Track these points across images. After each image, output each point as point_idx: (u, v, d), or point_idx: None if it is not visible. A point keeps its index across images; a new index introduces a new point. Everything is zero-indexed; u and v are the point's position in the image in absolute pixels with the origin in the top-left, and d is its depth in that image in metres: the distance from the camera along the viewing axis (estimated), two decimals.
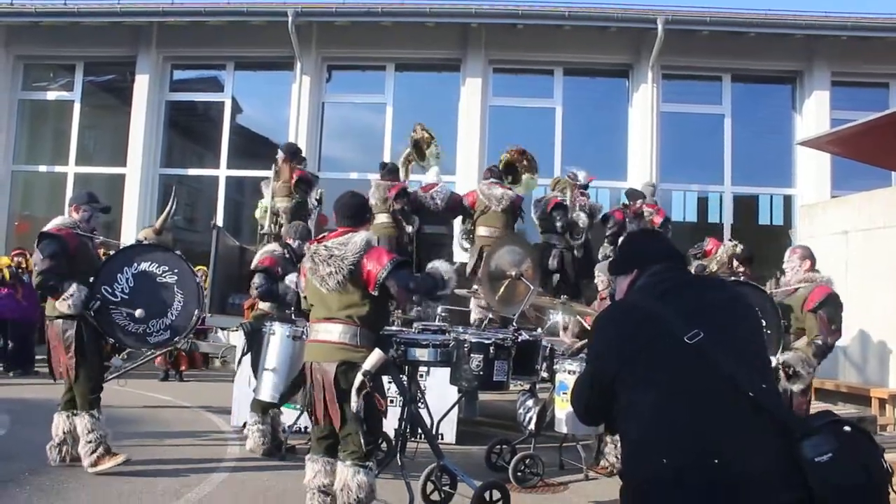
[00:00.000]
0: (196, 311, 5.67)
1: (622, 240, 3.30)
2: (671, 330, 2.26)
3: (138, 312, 5.40)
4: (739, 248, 8.85)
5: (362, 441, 4.11)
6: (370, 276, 4.11)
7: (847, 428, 2.09)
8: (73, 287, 5.21)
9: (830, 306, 5.42)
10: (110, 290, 5.35)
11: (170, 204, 7.99)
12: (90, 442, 5.25)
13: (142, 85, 13.30)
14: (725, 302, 2.46)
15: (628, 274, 2.63)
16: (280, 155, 9.49)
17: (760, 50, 12.52)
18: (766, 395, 2.17)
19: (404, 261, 4.35)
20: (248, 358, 6.35)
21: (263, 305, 6.35)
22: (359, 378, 4.04)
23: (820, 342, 5.34)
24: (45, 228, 5.43)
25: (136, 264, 5.48)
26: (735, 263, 8.71)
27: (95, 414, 5.33)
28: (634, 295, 2.56)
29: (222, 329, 10.80)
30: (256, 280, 6.19)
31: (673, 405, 2.19)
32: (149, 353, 9.42)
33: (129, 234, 11.90)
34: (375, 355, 4.10)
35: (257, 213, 9.84)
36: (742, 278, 8.25)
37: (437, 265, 4.53)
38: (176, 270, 5.56)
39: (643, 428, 2.24)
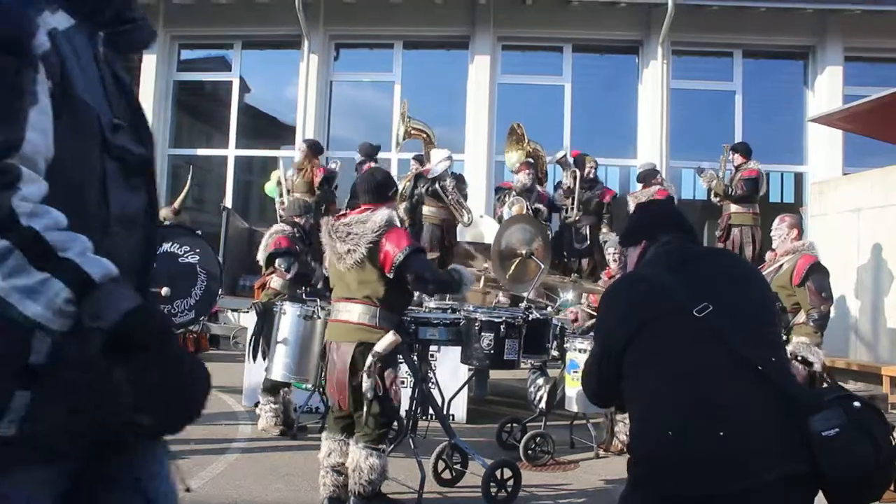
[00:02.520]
0: (219, 291, 5.69)
1: (633, 210, 3.29)
2: (680, 303, 2.25)
3: (164, 291, 5.29)
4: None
5: (375, 423, 4.13)
6: (387, 258, 4.05)
7: (857, 404, 2.09)
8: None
9: (816, 275, 5.42)
10: None
11: (187, 184, 8.02)
12: None
13: (149, 65, 13.23)
14: (736, 275, 2.46)
15: (638, 245, 2.61)
16: (303, 148, 9.58)
17: (772, 25, 12.35)
18: (775, 368, 2.16)
19: (421, 248, 4.32)
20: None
21: (275, 284, 6.32)
22: (369, 360, 4.04)
23: (816, 315, 5.37)
24: None
25: (158, 245, 5.40)
26: (737, 159, 9.07)
27: None
28: (644, 267, 2.54)
29: (233, 311, 10.84)
30: (284, 263, 6.09)
31: (680, 379, 2.19)
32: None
33: None
34: (388, 338, 4.07)
35: (269, 188, 9.81)
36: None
37: (461, 269, 4.51)
38: (197, 250, 5.50)
39: (650, 402, 2.26)
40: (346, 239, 4.12)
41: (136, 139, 1.48)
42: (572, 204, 9.14)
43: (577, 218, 9.19)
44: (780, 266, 5.62)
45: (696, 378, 2.17)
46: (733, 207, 9.30)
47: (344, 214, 4.36)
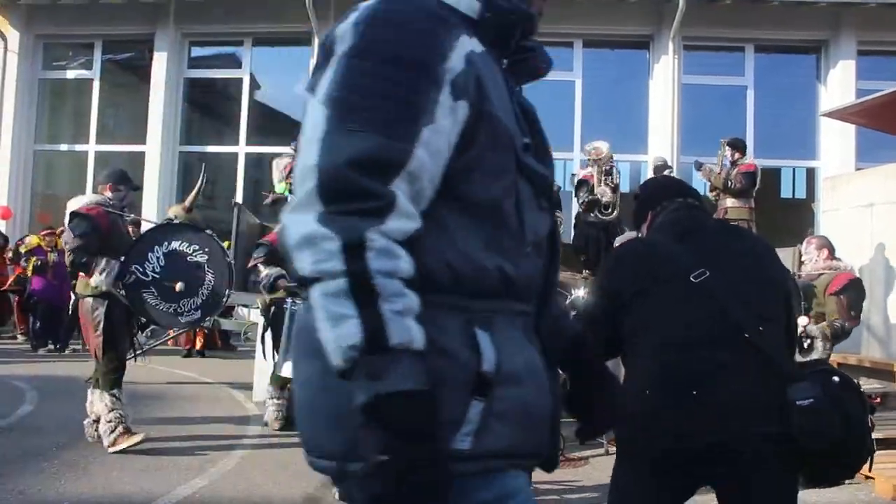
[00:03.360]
0: (227, 291, 5.65)
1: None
2: (679, 268, 2.33)
3: (178, 286, 5.34)
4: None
5: None
6: None
7: (836, 379, 2.20)
8: (104, 261, 5.16)
9: (853, 292, 5.41)
10: (141, 270, 5.26)
11: (199, 182, 8.03)
12: (110, 422, 5.24)
13: (160, 62, 13.30)
14: (742, 249, 2.52)
15: (646, 220, 2.67)
16: None
17: (784, 19, 12.28)
18: (763, 338, 2.22)
19: None
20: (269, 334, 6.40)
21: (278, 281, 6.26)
22: None
23: (838, 325, 5.32)
24: (76, 208, 5.37)
25: (167, 243, 5.38)
26: (734, 155, 9.04)
27: (116, 394, 5.32)
28: (653, 234, 2.62)
29: (244, 306, 10.86)
30: (255, 253, 6.13)
31: (667, 341, 2.28)
32: (173, 330, 9.63)
33: (150, 212, 11.95)
34: None
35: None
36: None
37: None
38: (206, 249, 5.47)
39: (639, 363, 2.36)
40: None
41: (540, 161, 1.50)
42: (616, 202, 9.03)
43: (617, 216, 9.10)
44: (820, 276, 5.63)
45: (682, 341, 2.26)
46: (729, 202, 9.26)
47: None
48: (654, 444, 2.23)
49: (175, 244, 5.39)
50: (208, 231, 5.74)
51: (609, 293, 2.51)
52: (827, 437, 2.10)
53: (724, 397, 2.15)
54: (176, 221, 6.21)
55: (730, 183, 9.13)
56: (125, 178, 5.64)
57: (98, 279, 5.17)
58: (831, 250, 5.73)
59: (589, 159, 9.36)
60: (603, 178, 8.97)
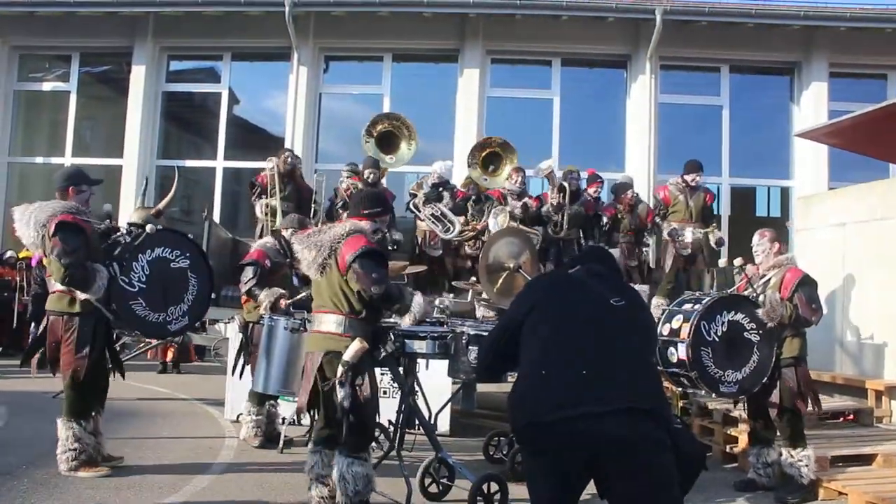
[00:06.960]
0: (212, 294, 5.55)
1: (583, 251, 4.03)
2: (600, 293, 2.98)
3: (149, 228, 5.12)
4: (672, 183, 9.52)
5: (353, 432, 4.14)
6: (343, 261, 4.16)
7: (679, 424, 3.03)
8: (102, 269, 4.81)
9: (805, 287, 5.41)
10: (127, 281, 4.99)
11: (174, 187, 7.97)
12: (73, 450, 5.01)
13: (138, 76, 13.23)
14: (635, 297, 3.19)
15: (574, 269, 3.32)
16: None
17: (759, 41, 12.48)
18: (653, 366, 3.11)
19: (379, 253, 4.34)
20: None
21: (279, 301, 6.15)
22: (340, 369, 4.07)
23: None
24: (58, 217, 4.93)
25: (150, 250, 5.13)
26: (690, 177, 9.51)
27: (83, 424, 5.06)
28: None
29: (213, 321, 10.75)
30: (249, 272, 6.14)
31: (578, 338, 2.83)
32: (143, 343, 9.52)
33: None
34: (354, 346, 4.10)
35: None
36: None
37: (416, 294, 4.61)
38: (187, 254, 5.30)
39: (538, 356, 2.85)
40: (311, 247, 4.29)
41: None
42: (562, 219, 9.09)
43: (566, 234, 9.15)
44: (769, 280, 5.62)
45: (586, 339, 2.82)
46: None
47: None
48: (553, 413, 2.66)
49: (158, 250, 5.19)
50: (188, 235, 5.58)
51: (520, 302, 3.10)
52: (697, 444, 2.96)
53: (604, 379, 2.71)
54: (150, 228, 5.95)
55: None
56: (84, 177, 5.36)
57: (93, 290, 4.80)
58: (781, 244, 5.79)
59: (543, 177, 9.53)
60: (552, 196, 9.16)
